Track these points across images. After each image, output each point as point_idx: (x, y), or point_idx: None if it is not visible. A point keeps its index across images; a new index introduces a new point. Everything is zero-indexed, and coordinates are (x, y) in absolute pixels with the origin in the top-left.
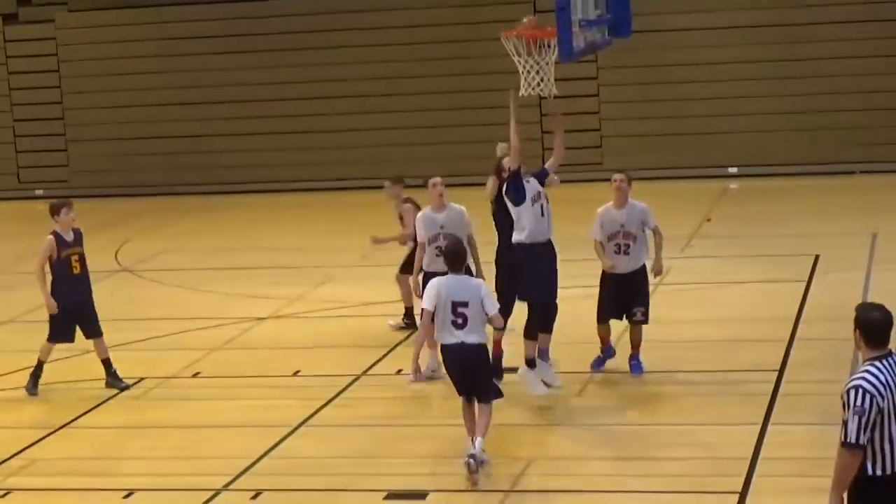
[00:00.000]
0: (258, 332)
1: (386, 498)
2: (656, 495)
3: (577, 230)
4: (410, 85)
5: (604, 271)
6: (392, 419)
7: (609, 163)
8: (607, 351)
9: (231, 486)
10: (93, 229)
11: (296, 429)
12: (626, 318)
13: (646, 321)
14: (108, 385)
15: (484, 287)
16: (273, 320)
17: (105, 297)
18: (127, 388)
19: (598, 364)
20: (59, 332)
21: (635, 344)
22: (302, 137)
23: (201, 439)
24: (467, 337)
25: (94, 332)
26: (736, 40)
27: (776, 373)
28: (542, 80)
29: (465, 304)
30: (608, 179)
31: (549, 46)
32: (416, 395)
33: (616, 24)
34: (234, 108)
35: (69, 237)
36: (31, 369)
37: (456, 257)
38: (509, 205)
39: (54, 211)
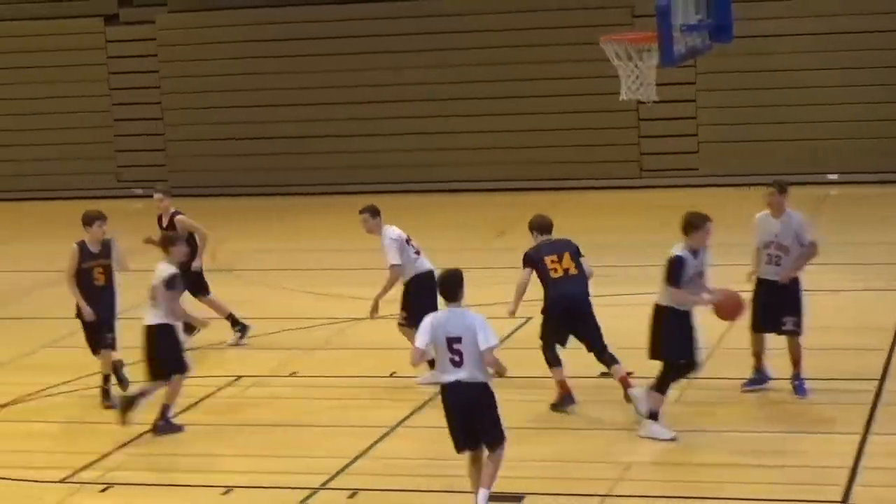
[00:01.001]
0: (354, 333)
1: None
2: (755, 503)
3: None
4: (513, 88)
5: (757, 278)
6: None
7: (705, 169)
8: (761, 375)
9: (328, 485)
10: None
11: (392, 429)
12: (776, 329)
13: (797, 332)
14: (105, 405)
15: (480, 319)
16: (369, 321)
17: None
18: (114, 407)
19: (751, 384)
20: (91, 341)
21: (795, 361)
22: (400, 139)
23: (298, 438)
24: (465, 375)
25: (104, 343)
26: (836, 45)
27: (877, 381)
28: (641, 84)
29: (459, 340)
30: (705, 185)
31: (649, 51)
32: (509, 398)
33: (717, 28)
34: (331, 109)
35: (95, 249)
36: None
37: (452, 286)
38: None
39: (87, 222)
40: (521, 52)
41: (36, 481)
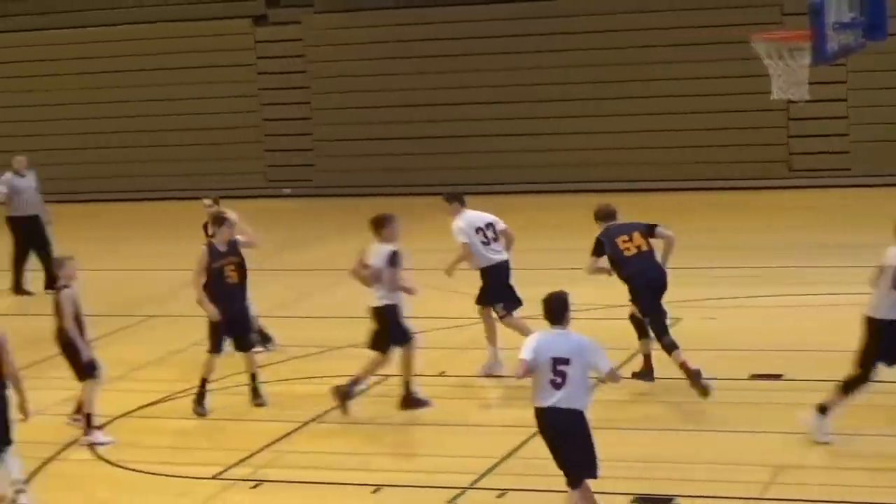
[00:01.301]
0: (502, 333)
1: (632, 502)
2: None
3: (831, 237)
4: (662, 87)
5: None
6: (635, 422)
7: (858, 169)
8: None
9: (477, 485)
10: (336, 229)
11: None
12: None
13: None
14: (255, 403)
15: (591, 342)
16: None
17: (349, 297)
18: (263, 405)
19: None
20: (217, 342)
21: None
22: (537, 139)
23: (447, 437)
24: (563, 399)
25: (247, 345)
26: None
27: None
28: (793, 83)
29: (567, 362)
30: (856, 186)
31: (801, 50)
32: (660, 398)
33: (871, 27)
34: (477, 109)
35: (223, 248)
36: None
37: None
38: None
39: (216, 222)
40: (666, 52)
41: (188, 477)
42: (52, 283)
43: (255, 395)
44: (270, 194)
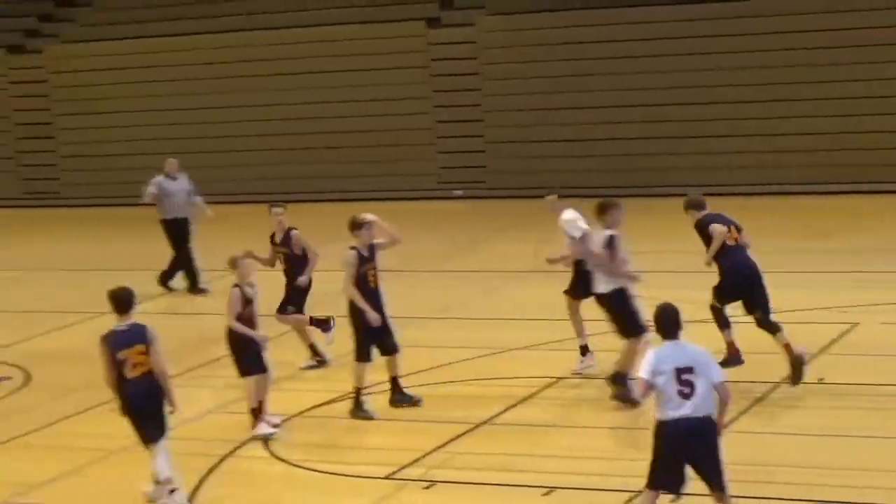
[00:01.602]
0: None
1: None
2: None
3: None
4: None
5: None
6: (850, 429)
7: None
8: None
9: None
10: (508, 229)
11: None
12: None
13: None
14: (394, 404)
15: (707, 352)
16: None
17: (521, 296)
18: (418, 402)
19: None
20: (368, 350)
21: None
22: (731, 141)
23: (622, 439)
24: (694, 409)
25: (393, 347)
26: None
27: None
28: None
29: (691, 370)
30: None
31: None
32: (874, 405)
33: None
34: (644, 111)
35: (366, 252)
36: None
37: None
38: None
39: (355, 227)
40: (854, 54)
41: (362, 477)
42: (166, 280)
43: (401, 396)
44: (442, 196)
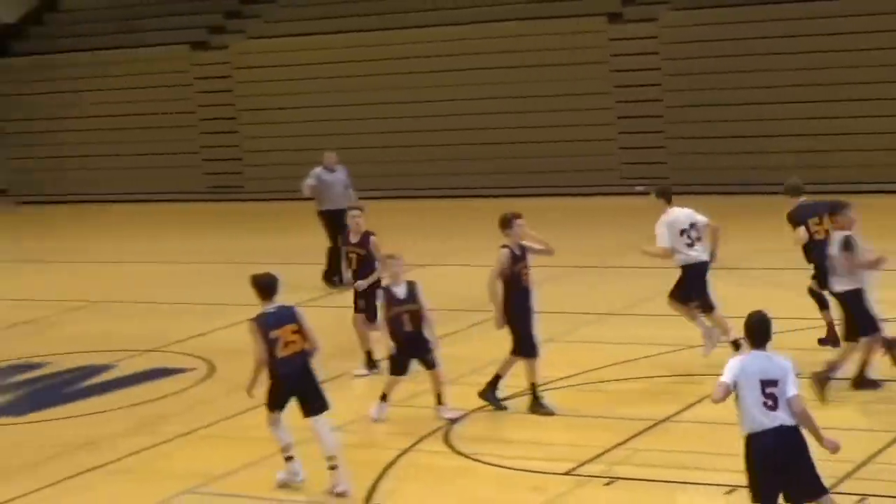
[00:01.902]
0: None
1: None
2: None
3: None
4: None
5: None
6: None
7: None
8: None
9: (836, 489)
10: None
11: None
12: None
13: None
14: (534, 409)
15: (791, 364)
16: None
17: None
18: (550, 412)
19: None
20: (530, 347)
21: None
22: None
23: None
24: (783, 420)
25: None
26: None
27: None
28: None
29: (775, 383)
30: None
31: None
32: None
33: None
34: (821, 107)
35: (518, 251)
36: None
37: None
38: None
39: (506, 223)
40: None
41: (541, 472)
42: (330, 275)
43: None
44: (624, 192)
